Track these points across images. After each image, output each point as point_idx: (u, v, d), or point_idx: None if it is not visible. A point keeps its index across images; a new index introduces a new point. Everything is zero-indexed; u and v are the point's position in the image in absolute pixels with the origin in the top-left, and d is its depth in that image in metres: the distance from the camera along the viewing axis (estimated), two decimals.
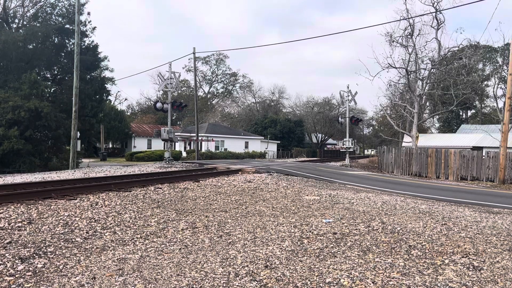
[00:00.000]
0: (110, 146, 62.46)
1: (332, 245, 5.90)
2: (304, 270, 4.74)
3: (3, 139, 24.30)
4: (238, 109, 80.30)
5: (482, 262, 5.10)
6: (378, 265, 4.93)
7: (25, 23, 32.17)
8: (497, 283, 4.37)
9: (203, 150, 48.08)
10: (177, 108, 25.58)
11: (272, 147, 60.10)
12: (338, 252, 5.52)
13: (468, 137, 40.73)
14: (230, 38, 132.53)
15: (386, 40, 34.03)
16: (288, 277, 4.51)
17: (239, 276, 4.53)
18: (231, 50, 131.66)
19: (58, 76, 32.32)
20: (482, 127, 45.49)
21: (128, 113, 78.97)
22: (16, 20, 32.33)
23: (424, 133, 47.92)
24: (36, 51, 29.57)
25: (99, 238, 6.31)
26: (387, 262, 5.06)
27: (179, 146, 52.22)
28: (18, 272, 4.62)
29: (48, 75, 32.48)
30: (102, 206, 8.59)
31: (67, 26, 31.05)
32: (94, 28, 32.71)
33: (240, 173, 18.02)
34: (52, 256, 5.30)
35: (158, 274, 4.64)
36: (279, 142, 62.05)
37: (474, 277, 4.53)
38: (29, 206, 8.15)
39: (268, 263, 5.03)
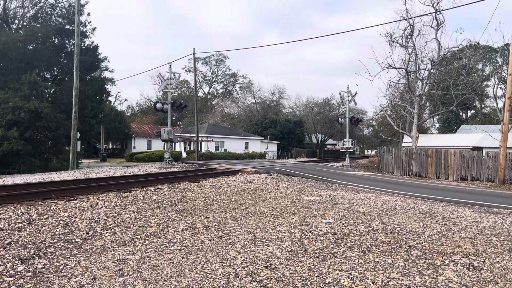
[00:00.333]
0: (110, 146, 62.46)
1: (332, 245, 5.90)
2: (304, 271, 4.73)
3: (2, 140, 24.29)
4: (238, 109, 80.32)
5: (482, 263, 5.09)
6: (378, 265, 4.93)
7: (25, 23, 32.18)
8: (497, 283, 4.37)
9: (203, 150, 48.09)
10: (177, 108, 25.56)
11: (272, 148, 60.11)
12: (338, 253, 5.51)
13: (468, 137, 40.73)
14: (230, 39, 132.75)
15: (386, 40, 34.02)
16: (288, 277, 4.50)
17: (239, 277, 4.53)
18: (231, 50, 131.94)
19: (58, 77, 32.32)
20: (482, 127, 45.51)
21: (128, 114, 78.99)
22: (16, 21, 32.35)
23: (424, 134, 47.92)
24: (36, 51, 29.58)
25: (99, 238, 6.31)
26: (387, 262, 5.06)
27: (179, 147, 52.22)
28: (18, 273, 4.62)
29: (48, 76, 32.48)
30: (102, 207, 8.59)
31: (67, 26, 31.05)
32: (94, 29, 32.74)
33: (240, 173, 18.01)
34: (52, 256, 5.30)
35: (158, 274, 4.64)
36: (279, 142, 62.05)
37: (474, 277, 4.53)
38: (29, 207, 8.14)
39: (268, 263, 5.03)
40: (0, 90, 26.63)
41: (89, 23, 34.40)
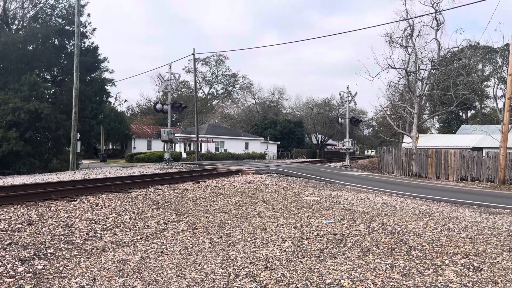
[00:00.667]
0: (110, 147, 62.47)
1: (332, 246, 5.90)
2: (304, 271, 4.73)
3: (2, 140, 24.28)
4: (238, 110, 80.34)
5: (482, 263, 5.09)
6: (378, 265, 4.93)
7: (25, 24, 32.19)
8: (497, 283, 4.37)
9: (203, 151, 48.09)
10: (177, 109, 25.57)
11: (272, 148, 60.11)
12: (338, 253, 5.51)
13: (468, 137, 40.73)
14: (229, 39, 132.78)
15: (385, 40, 33.96)
16: (288, 278, 4.50)
17: (239, 277, 4.53)
18: (231, 51, 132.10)
19: (58, 78, 32.32)
20: (482, 127, 45.50)
21: (128, 114, 79.00)
22: (16, 22, 32.37)
23: (424, 134, 47.91)
24: (36, 52, 29.58)
25: (99, 239, 6.31)
26: (387, 262, 5.06)
27: (179, 147, 52.23)
28: (18, 274, 4.62)
29: (48, 77, 32.48)
30: (102, 208, 8.59)
31: (67, 27, 31.05)
32: (94, 29, 32.72)
33: (240, 174, 18.02)
34: (52, 257, 5.30)
35: (158, 275, 4.64)
36: (279, 143, 62.05)
37: (474, 278, 4.53)
38: (29, 208, 8.14)
39: (268, 264, 5.03)
40: (0, 91, 26.63)
41: (89, 23, 34.37)
